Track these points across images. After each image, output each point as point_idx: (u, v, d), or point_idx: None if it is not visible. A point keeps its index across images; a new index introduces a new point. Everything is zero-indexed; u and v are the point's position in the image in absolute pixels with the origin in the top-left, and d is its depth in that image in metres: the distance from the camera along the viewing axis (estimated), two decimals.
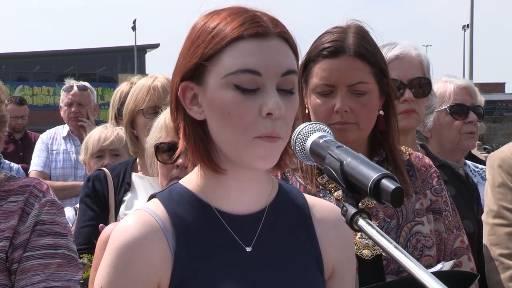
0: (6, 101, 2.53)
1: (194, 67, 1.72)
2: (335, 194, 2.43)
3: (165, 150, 2.65)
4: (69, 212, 4.04)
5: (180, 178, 2.57)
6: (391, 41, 3.18)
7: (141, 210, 1.77)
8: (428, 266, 2.32)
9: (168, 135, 2.64)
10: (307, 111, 2.51)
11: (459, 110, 3.73)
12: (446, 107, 3.71)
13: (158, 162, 2.67)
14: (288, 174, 2.47)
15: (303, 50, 2.35)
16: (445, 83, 3.77)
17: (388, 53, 3.10)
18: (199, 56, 1.71)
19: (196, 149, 1.75)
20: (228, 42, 1.68)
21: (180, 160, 2.61)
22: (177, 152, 1.81)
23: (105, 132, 4.21)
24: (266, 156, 1.69)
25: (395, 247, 1.40)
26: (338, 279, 1.84)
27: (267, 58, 1.68)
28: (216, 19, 1.72)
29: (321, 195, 2.41)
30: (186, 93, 1.75)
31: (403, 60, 3.13)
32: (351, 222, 1.49)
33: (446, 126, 3.72)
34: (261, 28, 1.69)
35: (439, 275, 1.56)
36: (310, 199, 1.88)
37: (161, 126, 2.68)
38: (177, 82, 1.75)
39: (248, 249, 1.74)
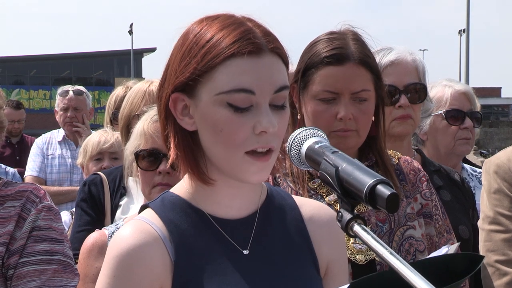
0: (3, 106, 2.52)
1: (186, 81, 1.71)
2: (327, 198, 2.43)
3: (145, 157, 2.63)
4: (66, 216, 4.03)
5: (163, 184, 2.58)
6: (387, 46, 3.17)
7: (136, 219, 1.77)
8: None
9: (148, 142, 2.63)
10: (299, 116, 2.51)
11: (455, 115, 3.71)
12: (442, 111, 3.70)
13: (139, 169, 2.65)
14: (279, 179, 2.47)
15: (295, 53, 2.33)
16: (444, 87, 3.76)
17: (383, 59, 3.08)
18: (191, 72, 1.69)
19: (186, 158, 1.75)
20: (222, 60, 1.67)
21: (161, 167, 2.60)
22: (169, 162, 1.80)
23: (104, 136, 4.23)
24: (259, 171, 1.70)
25: (391, 253, 1.39)
26: (332, 276, 1.85)
27: (260, 76, 1.67)
28: (208, 30, 1.70)
29: None
30: (177, 104, 1.74)
31: (399, 65, 3.11)
32: (347, 228, 1.49)
33: (442, 131, 3.72)
34: (255, 46, 1.67)
35: (444, 258, 1.56)
36: (297, 199, 1.89)
37: (140, 133, 2.66)
38: (168, 93, 1.74)
39: (246, 252, 1.75)
